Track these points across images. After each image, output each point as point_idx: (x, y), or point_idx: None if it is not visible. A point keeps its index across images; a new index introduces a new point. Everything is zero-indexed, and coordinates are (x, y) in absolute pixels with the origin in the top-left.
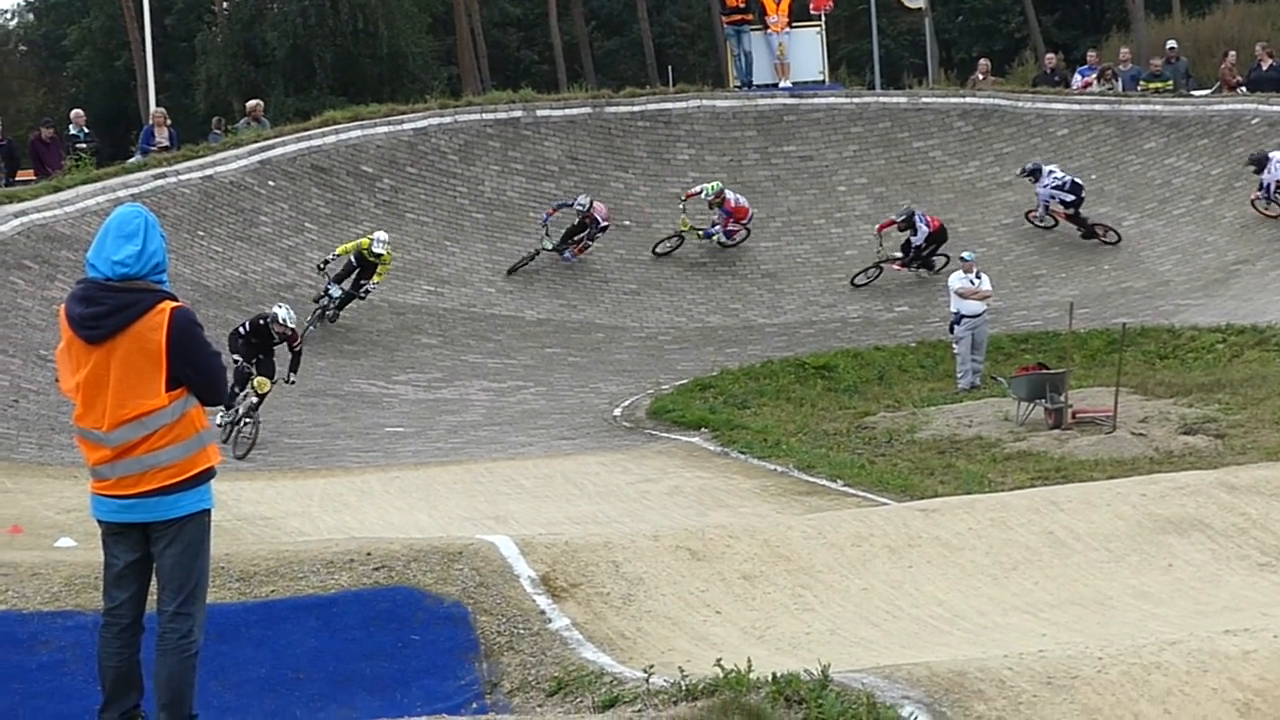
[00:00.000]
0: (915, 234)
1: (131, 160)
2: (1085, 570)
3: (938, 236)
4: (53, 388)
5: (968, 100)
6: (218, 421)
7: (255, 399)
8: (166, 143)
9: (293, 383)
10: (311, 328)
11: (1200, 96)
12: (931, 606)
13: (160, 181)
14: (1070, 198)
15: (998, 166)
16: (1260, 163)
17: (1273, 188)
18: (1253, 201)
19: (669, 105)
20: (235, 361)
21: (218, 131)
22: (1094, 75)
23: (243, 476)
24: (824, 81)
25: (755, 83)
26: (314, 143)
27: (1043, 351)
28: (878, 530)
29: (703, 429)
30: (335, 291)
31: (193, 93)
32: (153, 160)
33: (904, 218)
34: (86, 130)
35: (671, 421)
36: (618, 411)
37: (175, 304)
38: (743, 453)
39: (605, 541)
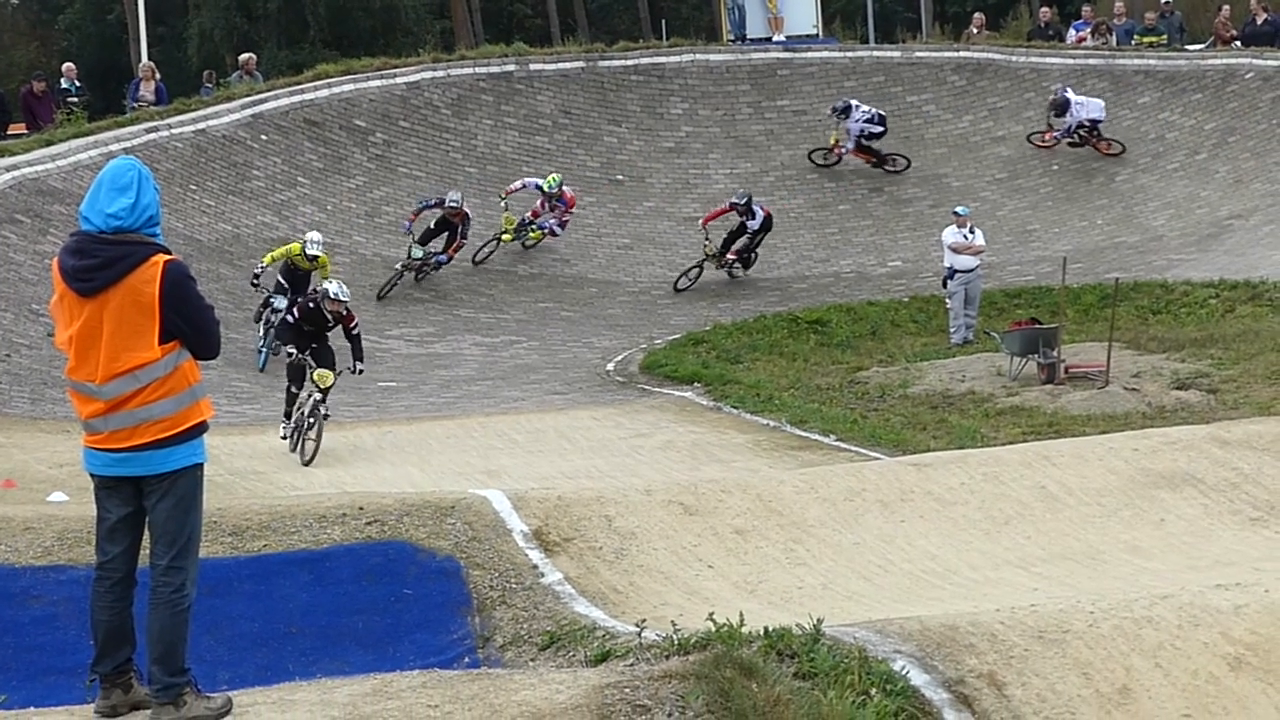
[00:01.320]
0: (752, 219)
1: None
2: (1077, 525)
3: (767, 225)
4: (45, 342)
5: (961, 54)
6: (281, 434)
7: (319, 394)
8: (152, 97)
9: (362, 371)
10: (265, 350)
11: (1194, 51)
12: (924, 561)
13: (152, 135)
14: (879, 129)
15: (991, 121)
16: (1061, 107)
17: (1073, 127)
18: (1037, 138)
19: (662, 59)
20: (290, 355)
21: (210, 85)
22: (1088, 30)
23: (234, 431)
24: (817, 35)
25: (749, 37)
26: (306, 96)
27: (1035, 306)
28: (870, 485)
29: (695, 384)
30: (279, 303)
31: (185, 46)
32: (144, 114)
33: (744, 201)
34: (78, 84)
35: (664, 376)
36: (610, 366)
37: (168, 257)
38: (735, 407)
39: (598, 496)
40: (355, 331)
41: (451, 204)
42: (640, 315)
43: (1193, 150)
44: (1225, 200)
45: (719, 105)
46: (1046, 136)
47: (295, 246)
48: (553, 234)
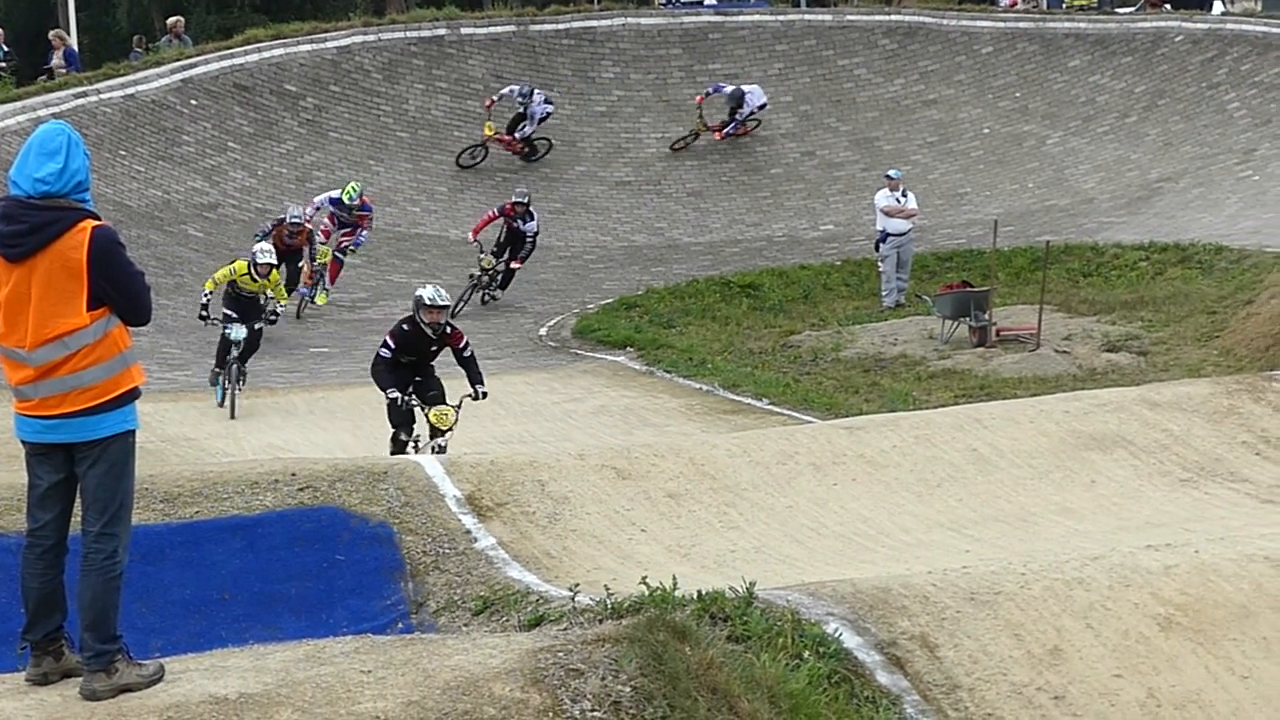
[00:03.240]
0: (529, 221)
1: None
2: (1009, 487)
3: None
4: None
5: (893, 18)
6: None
7: (442, 440)
8: (63, 64)
9: (485, 395)
10: (227, 389)
11: (1124, 14)
12: (856, 524)
13: (81, 100)
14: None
15: (923, 85)
16: (739, 99)
17: (745, 117)
18: (712, 129)
19: (594, 23)
20: (393, 400)
21: (139, 50)
22: None
23: (166, 398)
24: None
25: (681, 1)
26: (236, 61)
27: (967, 270)
28: (802, 448)
29: (628, 348)
30: (237, 334)
31: (115, 11)
32: (73, 79)
33: (525, 201)
34: (6, 49)
35: (597, 341)
36: (543, 331)
37: (96, 222)
38: (668, 372)
39: (531, 461)
40: (468, 354)
41: (293, 219)
42: (573, 280)
43: (1123, 113)
44: (1155, 163)
45: (651, 69)
46: (718, 135)
47: (240, 265)
48: (349, 253)
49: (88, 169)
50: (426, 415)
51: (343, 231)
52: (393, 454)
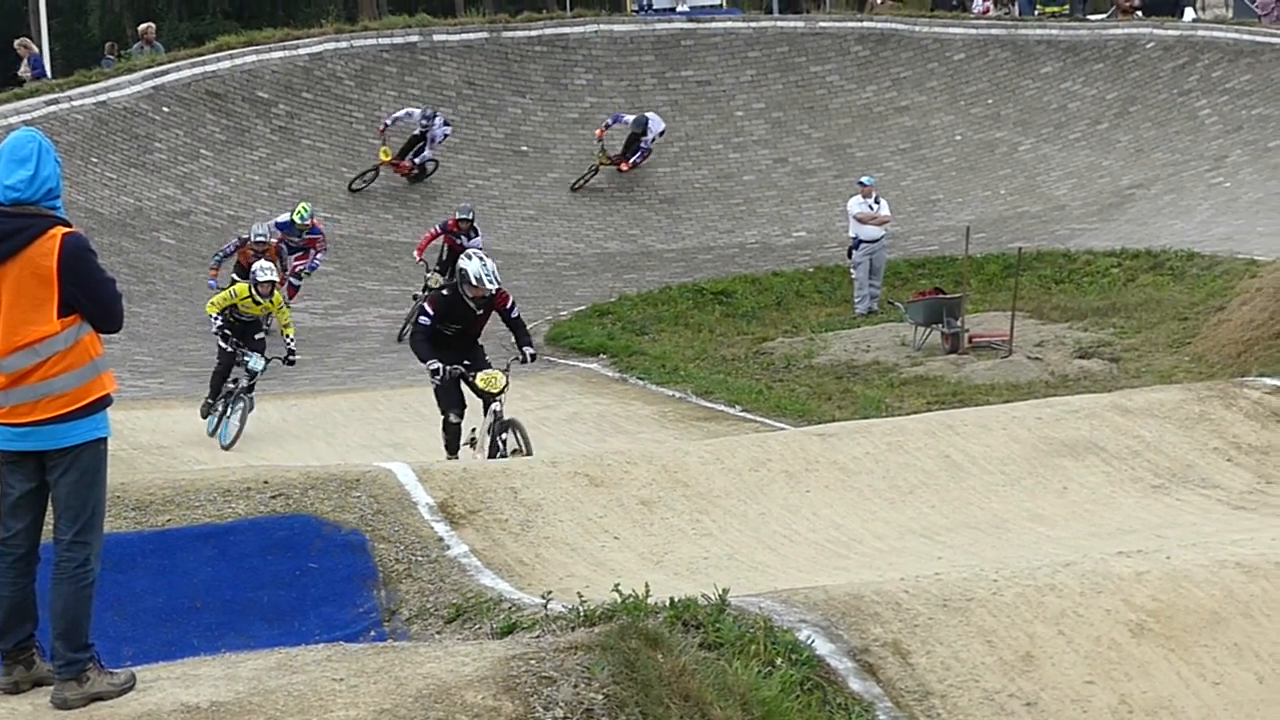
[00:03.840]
0: (474, 237)
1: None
2: (981, 493)
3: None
4: None
5: (865, 25)
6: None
7: (496, 404)
8: (28, 72)
9: (534, 357)
10: (229, 419)
11: (1096, 21)
12: (828, 530)
13: (53, 108)
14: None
15: (895, 91)
16: (643, 125)
17: (649, 143)
18: (614, 160)
19: (567, 30)
20: (435, 371)
21: (111, 57)
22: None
23: (138, 406)
24: (721, 6)
25: (653, 7)
26: (209, 68)
27: (939, 276)
28: (775, 455)
29: (601, 355)
30: (257, 365)
31: (86, 18)
32: (44, 86)
33: (469, 217)
34: None
35: (570, 348)
36: None
37: (67, 229)
38: (641, 379)
39: (503, 468)
40: (515, 314)
41: (258, 238)
42: (545, 287)
43: (1094, 120)
44: (1127, 170)
45: (623, 76)
46: (623, 166)
47: (241, 288)
48: (304, 276)
49: (59, 176)
50: (473, 382)
51: (294, 256)
52: (447, 444)
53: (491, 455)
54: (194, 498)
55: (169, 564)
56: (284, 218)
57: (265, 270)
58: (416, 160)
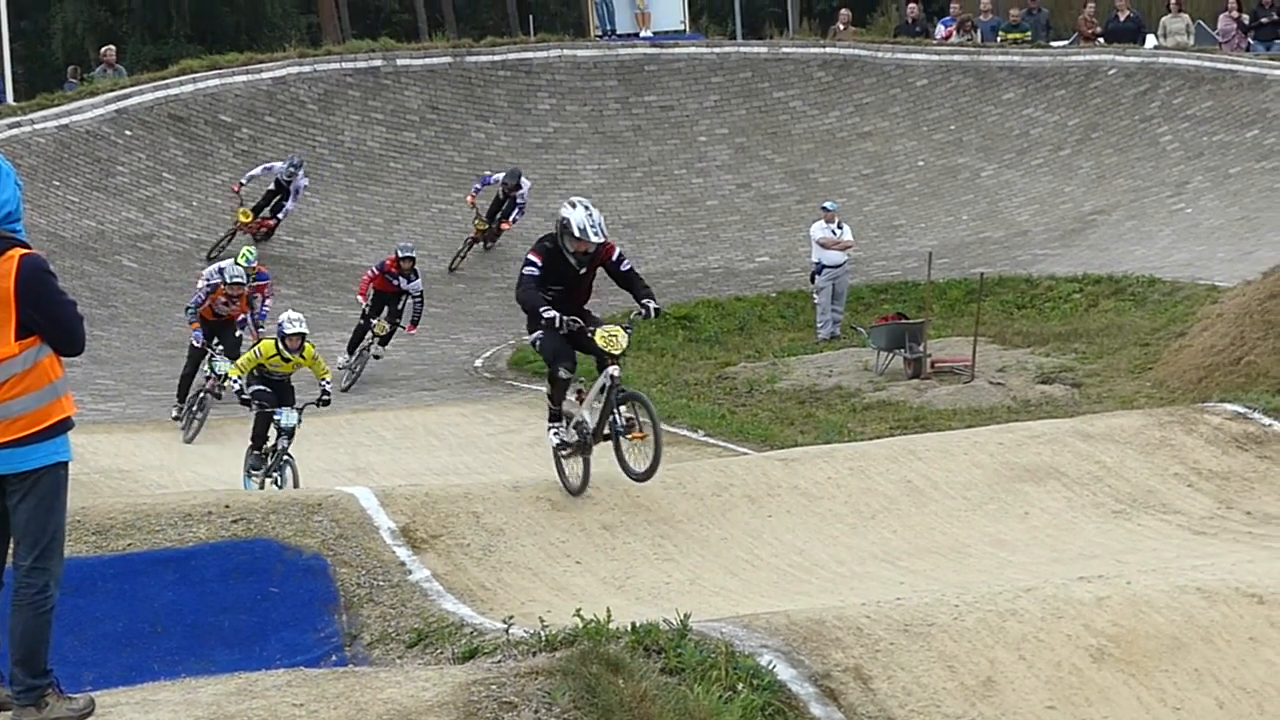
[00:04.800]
0: (414, 279)
1: None
2: (943, 518)
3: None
4: None
5: (828, 50)
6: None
7: (614, 368)
8: None
9: (659, 312)
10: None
11: (1058, 47)
12: (791, 555)
13: (15, 131)
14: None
15: (858, 117)
16: (516, 177)
17: (523, 200)
18: (491, 229)
19: (530, 55)
20: (550, 320)
21: (73, 80)
22: (953, 26)
23: (99, 429)
24: (685, 31)
25: (617, 32)
26: (171, 92)
27: (902, 301)
28: (738, 480)
29: None
30: (289, 421)
31: (50, 41)
32: (6, 109)
33: (409, 255)
34: None
35: (533, 373)
36: (479, 362)
37: (25, 251)
38: None
39: (465, 493)
40: (626, 267)
41: (233, 279)
42: (508, 311)
43: (1057, 146)
44: (1089, 196)
45: (586, 101)
46: (505, 225)
47: (266, 345)
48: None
49: (19, 199)
50: (592, 338)
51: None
52: (552, 403)
53: (599, 429)
54: (155, 522)
55: (130, 588)
56: (225, 264)
57: (294, 322)
58: (280, 216)
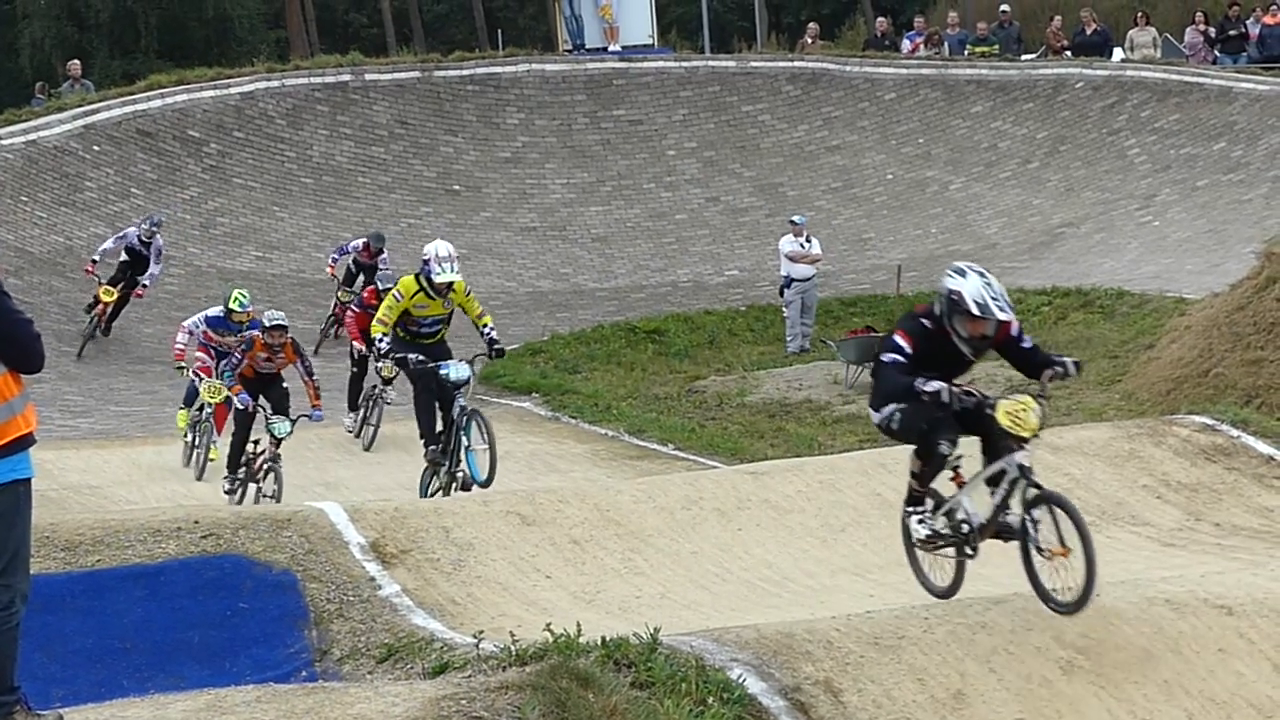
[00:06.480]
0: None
1: None
2: None
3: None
4: None
5: (796, 64)
6: None
7: (1022, 454)
8: None
9: (1079, 365)
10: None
11: (1026, 61)
12: (761, 569)
13: None
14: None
15: (826, 130)
16: (380, 239)
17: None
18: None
19: (499, 69)
20: (936, 393)
21: (41, 96)
22: (921, 39)
23: (68, 445)
24: (653, 45)
25: (585, 46)
26: (139, 107)
27: (871, 315)
28: (707, 494)
29: (533, 394)
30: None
31: (17, 56)
32: None
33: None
34: None
35: (502, 386)
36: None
37: None
38: (573, 417)
39: (435, 507)
40: (1028, 344)
41: (275, 321)
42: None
43: (1025, 159)
44: (1057, 208)
45: (555, 115)
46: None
47: (407, 284)
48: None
49: None
50: (994, 414)
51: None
52: (917, 483)
53: (988, 525)
54: (124, 538)
55: (99, 605)
56: (215, 311)
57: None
58: (147, 283)
